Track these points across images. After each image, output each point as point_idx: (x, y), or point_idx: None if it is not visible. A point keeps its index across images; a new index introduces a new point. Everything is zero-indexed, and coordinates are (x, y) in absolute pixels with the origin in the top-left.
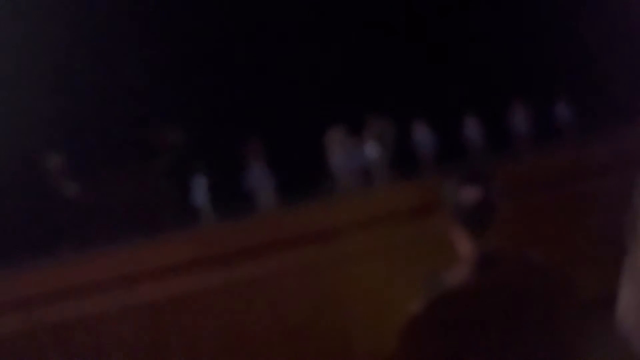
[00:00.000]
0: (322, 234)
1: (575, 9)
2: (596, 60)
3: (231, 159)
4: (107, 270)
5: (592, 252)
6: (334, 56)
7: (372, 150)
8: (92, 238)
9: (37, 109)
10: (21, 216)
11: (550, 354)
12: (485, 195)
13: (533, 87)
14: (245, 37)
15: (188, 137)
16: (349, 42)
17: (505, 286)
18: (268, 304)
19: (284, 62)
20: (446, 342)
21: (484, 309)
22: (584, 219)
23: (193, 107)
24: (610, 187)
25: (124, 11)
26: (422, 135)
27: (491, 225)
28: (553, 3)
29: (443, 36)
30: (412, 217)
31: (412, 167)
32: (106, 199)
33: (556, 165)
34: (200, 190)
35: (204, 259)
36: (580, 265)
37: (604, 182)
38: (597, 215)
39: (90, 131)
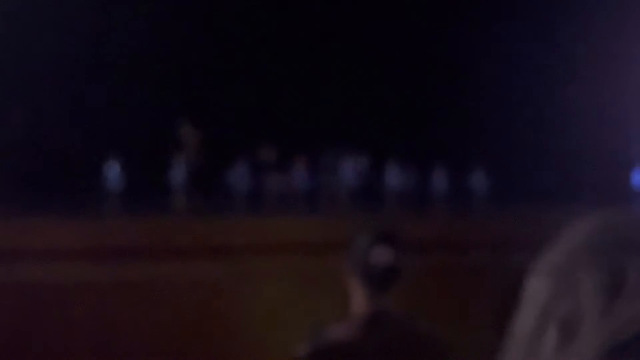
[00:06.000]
0: (221, 250)
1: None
2: (522, 139)
3: (148, 150)
4: None
5: (480, 326)
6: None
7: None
8: None
9: None
10: None
11: None
12: (394, 259)
13: (455, 153)
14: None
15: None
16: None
17: (387, 348)
18: (152, 306)
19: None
20: None
21: None
22: (476, 290)
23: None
24: (508, 262)
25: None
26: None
27: (391, 289)
28: (493, 78)
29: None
30: (317, 252)
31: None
32: None
33: (462, 231)
34: (112, 176)
35: (98, 250)
36: (470, 334)
37: (504, 256)
38: (490, 290)
39: None
